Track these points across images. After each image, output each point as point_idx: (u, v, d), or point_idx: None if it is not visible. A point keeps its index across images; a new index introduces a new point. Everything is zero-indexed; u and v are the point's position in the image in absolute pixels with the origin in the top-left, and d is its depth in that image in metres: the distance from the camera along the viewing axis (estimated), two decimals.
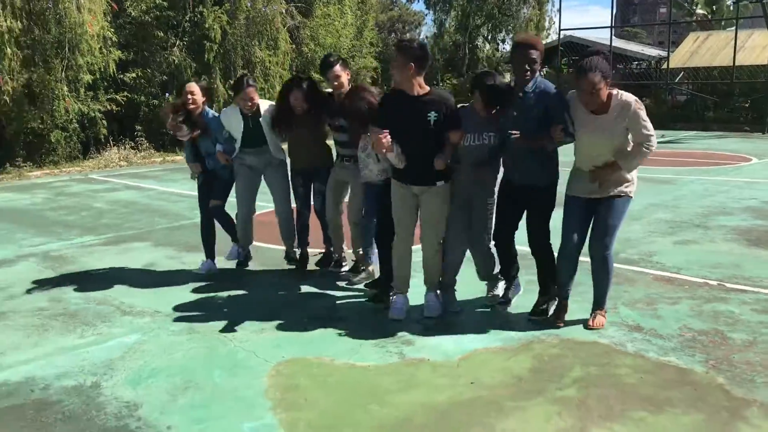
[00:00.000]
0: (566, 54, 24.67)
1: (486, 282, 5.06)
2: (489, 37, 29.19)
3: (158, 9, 16.42)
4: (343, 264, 5.93)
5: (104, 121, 15.81)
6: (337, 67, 5.28)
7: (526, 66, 4.32)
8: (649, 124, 4.19)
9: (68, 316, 4.98)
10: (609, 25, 24.08)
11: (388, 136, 4.34)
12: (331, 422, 3.35)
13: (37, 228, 8.44)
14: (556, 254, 4.64)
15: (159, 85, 17.14)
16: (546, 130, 4.26)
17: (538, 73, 4.39)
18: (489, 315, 4.86)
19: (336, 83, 5.31)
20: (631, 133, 4.19)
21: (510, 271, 4.89)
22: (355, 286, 5.51)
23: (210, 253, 6.01)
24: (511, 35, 29.50)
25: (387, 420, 3.36)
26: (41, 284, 5.86)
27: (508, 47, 31.01)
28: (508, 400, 3.53)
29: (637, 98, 4.21)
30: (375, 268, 5.47)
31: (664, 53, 26.60)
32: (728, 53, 22.23)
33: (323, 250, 5.99)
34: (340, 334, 4.52)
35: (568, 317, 4.64)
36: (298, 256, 6.07)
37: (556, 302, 4.68)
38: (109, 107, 15.92)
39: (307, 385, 3.75)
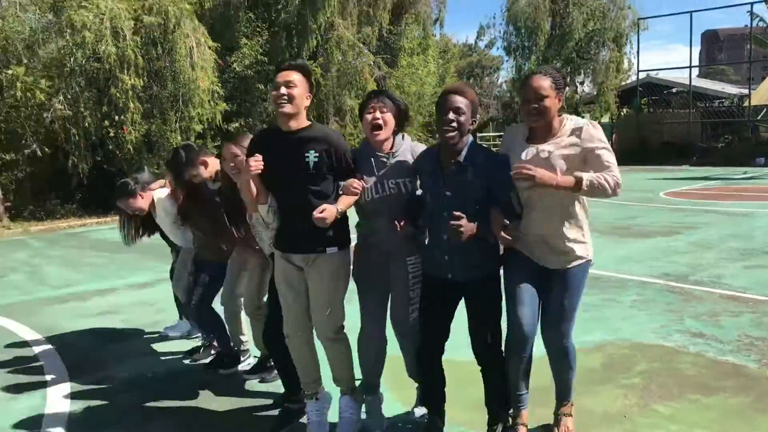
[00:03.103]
0: (645, 94, 25.01)
1: (417, 386, 3.84)
2: (568, 80, 29.84)
3: (259, 64, 18.03)
4: (242, 359, 4.83)
5: None
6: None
7: (449, 116, 3.11)
8: (613, 156, 3.15)
9: None
10: (688, 65, 24.31)
11: (260, 160, 3.29)
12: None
13: (166, 257, 9.67)
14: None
15: None
16: (486, 213, 3.15)
17: (469, 136, 3.22)
18: None
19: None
20: (591, 167, 3.12)
21: (439, 402, 3.54)
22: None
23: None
24: (590, 77, 30.03)
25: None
26: None
27: (587, 89, 31.54)
28: (581, 386, 4.22)
29: (590, 121, 3.27)
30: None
31: (745, 91, 26.52)
32: None
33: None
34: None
35: None
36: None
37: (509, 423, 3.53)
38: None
39: None
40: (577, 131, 3.15)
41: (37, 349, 5.46)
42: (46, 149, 15.01)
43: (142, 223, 5.18)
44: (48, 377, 4.77)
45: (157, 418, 4.00)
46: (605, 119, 30.29)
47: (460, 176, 3.18)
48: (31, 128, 14.94)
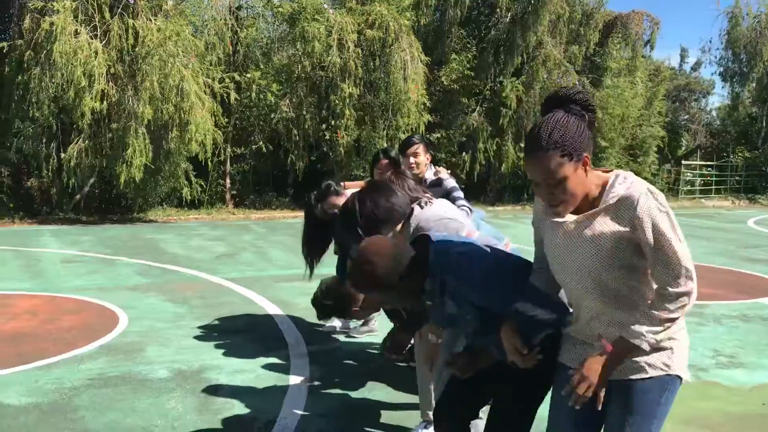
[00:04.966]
0: None
1: None
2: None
3: (465, 78, 18.69)
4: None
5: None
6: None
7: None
8: (679, 244, 2.02)
9: None
10: None
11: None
12: None
13: None
14: None
15: (457, 145, 19.35)
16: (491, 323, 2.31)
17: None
18: None
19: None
20: (648, 256, 2.07)
21: None
22: None
23: None
24: None
25: (690, 416, 4.27)
26: None
27: None
28: None
29: (651, 187, 2.07)
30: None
31: None
32: None
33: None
34: None
35: None
36: None
37: None
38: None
39: None
40: (624, 203, 2.05)
41: (275, 318, 6.34)
42: (270, 146, 16.74)
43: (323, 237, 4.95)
44: (288, 340, 5.58)
45: (378, 388, 4.56)
46: None
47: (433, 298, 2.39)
48: (260, 127, 16.75)
